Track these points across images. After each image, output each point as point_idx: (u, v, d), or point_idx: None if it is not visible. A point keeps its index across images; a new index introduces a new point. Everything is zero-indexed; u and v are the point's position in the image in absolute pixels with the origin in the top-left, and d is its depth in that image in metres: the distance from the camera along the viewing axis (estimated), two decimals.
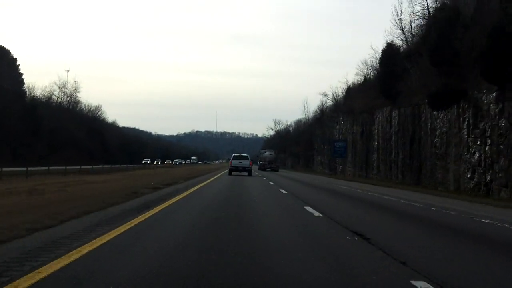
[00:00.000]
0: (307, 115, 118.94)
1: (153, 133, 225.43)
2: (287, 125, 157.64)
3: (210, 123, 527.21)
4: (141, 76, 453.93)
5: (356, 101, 59.85)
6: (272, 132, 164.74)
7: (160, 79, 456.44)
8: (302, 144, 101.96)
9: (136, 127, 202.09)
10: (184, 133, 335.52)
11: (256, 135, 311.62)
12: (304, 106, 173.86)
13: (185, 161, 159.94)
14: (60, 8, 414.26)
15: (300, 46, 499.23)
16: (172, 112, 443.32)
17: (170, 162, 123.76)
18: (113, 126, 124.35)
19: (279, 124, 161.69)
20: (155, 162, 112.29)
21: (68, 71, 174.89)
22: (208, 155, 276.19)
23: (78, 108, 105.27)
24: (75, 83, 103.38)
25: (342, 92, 76.09)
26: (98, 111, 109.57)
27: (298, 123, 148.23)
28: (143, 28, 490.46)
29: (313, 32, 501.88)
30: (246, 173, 46.20)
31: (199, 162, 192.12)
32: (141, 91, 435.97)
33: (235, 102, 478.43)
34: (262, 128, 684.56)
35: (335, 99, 77.56)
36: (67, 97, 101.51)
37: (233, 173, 46.55)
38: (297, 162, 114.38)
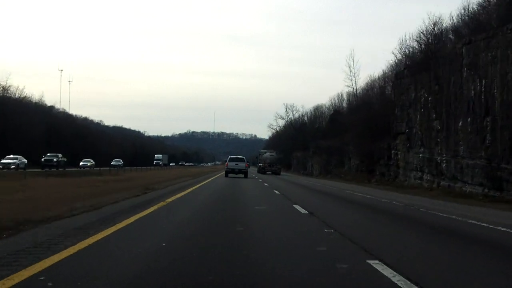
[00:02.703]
0: (355, 82, 75.27)
1: (142, 131, 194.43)
2: (302, 112, 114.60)
3: (208, 125, 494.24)
4: (137, 76, 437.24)
5: None
6: (281, 122, 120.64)
7: (156, 80, 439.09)
8: (356, 133, 55.80)
9: (125, 126, 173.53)
10: (180, 134, 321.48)
11: (255, 135, 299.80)
12: (350, 67, 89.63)
13: (86, 163, 70.43)
14: (55, 8, 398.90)
15: (300, 46, 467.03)
16: (169, 113, 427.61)
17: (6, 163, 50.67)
18: (39, 109, 78.73)
19: (292, 111, 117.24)
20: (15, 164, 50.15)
21: (61, 70, 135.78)
22: (202, 156, 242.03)
23: None
24: None
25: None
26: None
27: (318, 109, 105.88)
28: (141, 29, 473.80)
29: (313, 32, 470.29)
30: (242, 175, 46.18)
31: (171, 164, 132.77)
32: (136, 92, 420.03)
33: (233, 103, 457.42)
34: (261, 129, 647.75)
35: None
36: None
37: (230, 174, 46.50)
38: (336, 165, 68.18)
